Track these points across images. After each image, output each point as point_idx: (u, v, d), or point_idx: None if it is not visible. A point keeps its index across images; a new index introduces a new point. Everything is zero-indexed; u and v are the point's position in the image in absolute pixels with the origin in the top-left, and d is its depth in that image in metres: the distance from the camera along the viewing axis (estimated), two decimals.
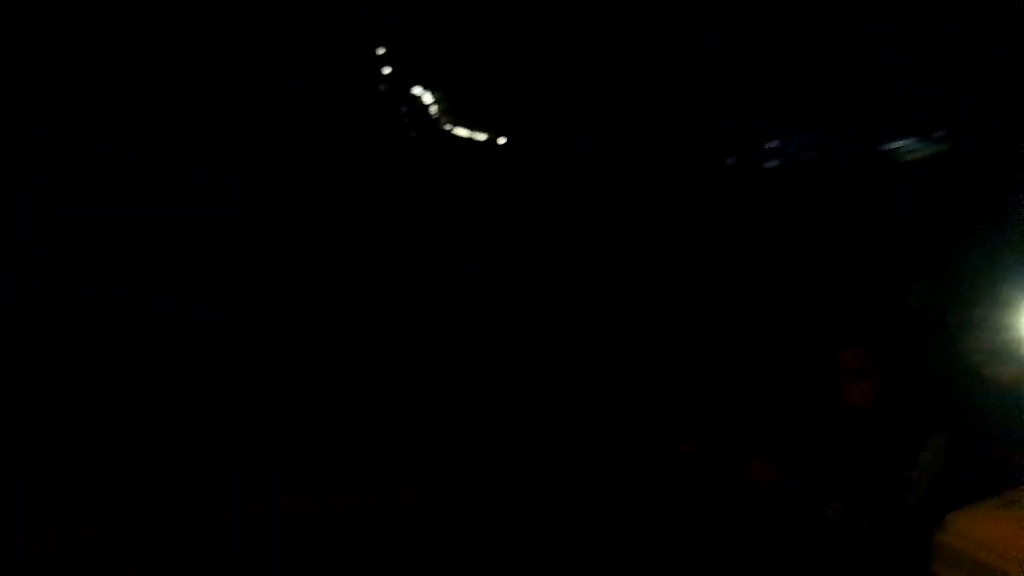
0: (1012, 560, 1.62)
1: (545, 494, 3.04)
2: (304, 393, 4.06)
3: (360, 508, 3.10)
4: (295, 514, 3.05)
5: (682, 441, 2.36)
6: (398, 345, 4.84)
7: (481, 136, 11.37)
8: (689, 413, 2.84)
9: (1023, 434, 1.98)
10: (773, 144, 8.21)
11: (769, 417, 2.51)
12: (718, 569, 2.27)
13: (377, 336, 5.03)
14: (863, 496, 2.17)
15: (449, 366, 4.47)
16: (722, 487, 2.28)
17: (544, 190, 9.30)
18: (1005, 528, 1.68)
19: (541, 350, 4.62)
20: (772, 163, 8.54)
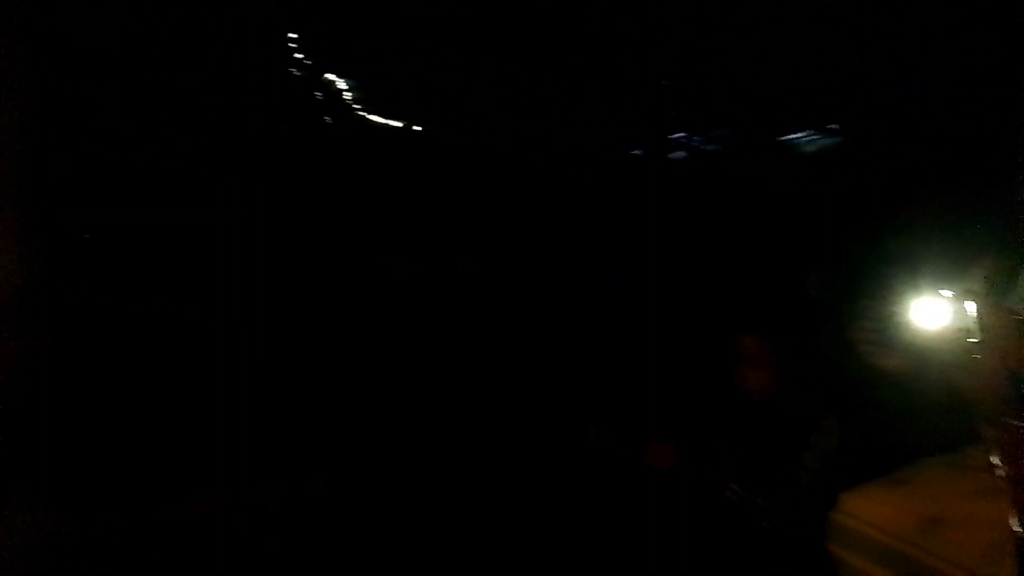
0: (899, 536, 1.69)
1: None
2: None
3: (356, 507, 3.04)
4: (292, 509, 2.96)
5: (586, 426, 2.36)
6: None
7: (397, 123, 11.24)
8: (591, 399, 2.87)
9: (908, 418, 2.07)
10: (679, 136, 8.35)
11: (668, 403, 2.54)
12: (618, 553, 2.29)
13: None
14: (761, 478, 2.22)
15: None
16: (624, 472, 2.30)
17: (447, 184, 9.24)
18: (893, 506, 1.75)
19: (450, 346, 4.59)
20: (678, 155, 8.69)
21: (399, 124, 10.91)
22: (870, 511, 1.79)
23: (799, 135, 7.81)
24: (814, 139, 7.77)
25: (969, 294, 1.40)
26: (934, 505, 1.73)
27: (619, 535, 2.36)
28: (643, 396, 2.64)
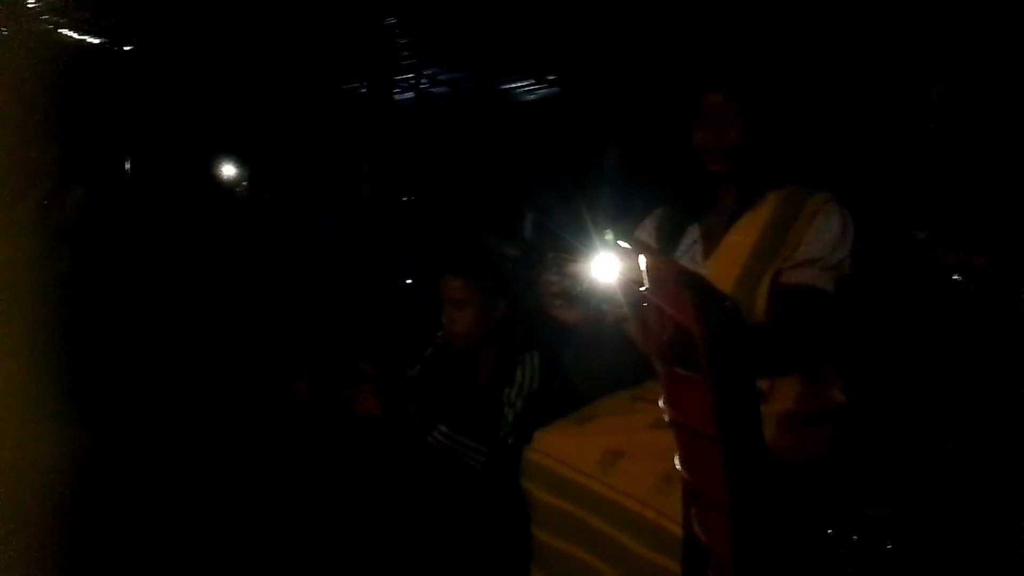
0: (581, 471, 1.79)
1: None
2: None
3: None
4: None
5: (290, 382, 2.25)
6: None
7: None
8: (291, 349, 2.76)
9: (595, 358, 2.21)
10: (406, 76, 8.28)
11: (375, 349, 2.51)
12: (335, 505, 2.24)
13: None
14: (468, 418, 2.27)
15: None
16: (334, 424, 2.22)
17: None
18: (578, 442, 1.84)
19: None
20: (405, 96, 8.63)
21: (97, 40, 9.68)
22: (557, 446, 1.86)
23: (520, 84, 8.08)
24: (533, 89, 8.08)
25: (640, 246, 1.50)
26: (615, 439, 1.81)
27: (328, 488, 2.31)
28: (351, 341, 2.59)
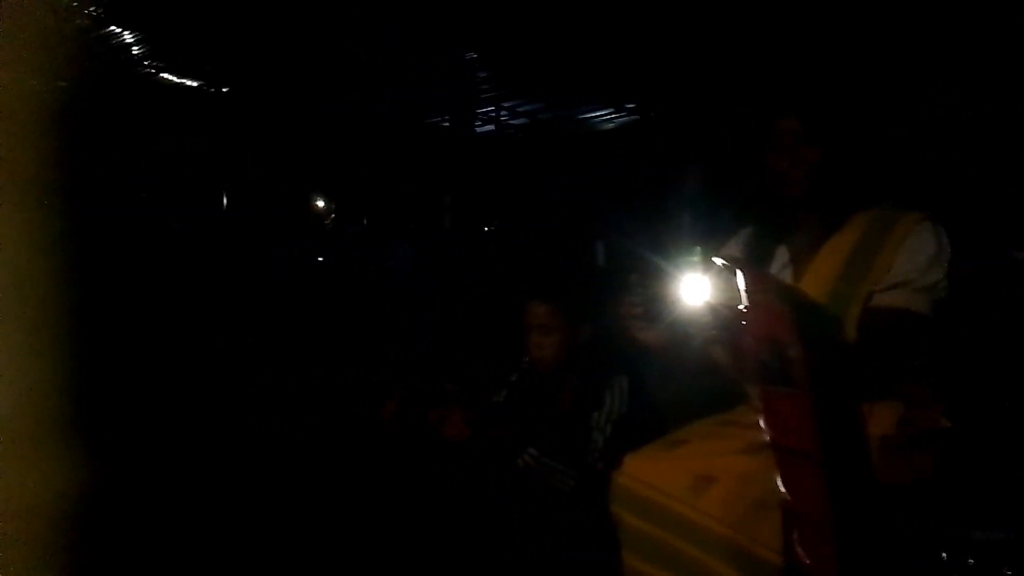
0: (672, 495, 1.76)
1: None
2: None
3: None
4: None
5: (378, 404, 2.29)
6: None
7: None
8: (379, 373, 2.81)
9: (683, 383, 2.18)
10: (487, 109, 8.44)
11: (459, 372, 2.54)
12: (420, 530, 2.26)
13: None
14: (557, 442, 2.27)
15: None
16: (420, 447, 2.26)
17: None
18: (668, 466, 1.82)
19: None
20: (486, 128, 8.79)
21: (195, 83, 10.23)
22: (647, 471, 1.84)
23: (598, 113, 8.13)
24: (612, 117, 8.11)
25: (736, 263, 1.48)
26: (706, 463, 1.78)
27: (420, 508, 2.34)
28: (434, 365, 2.62)
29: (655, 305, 1.71)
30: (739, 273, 1.13)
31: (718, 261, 1.35)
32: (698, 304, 1.58)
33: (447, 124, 8.82)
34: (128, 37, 9.50)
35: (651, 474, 1.82)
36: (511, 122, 8.81)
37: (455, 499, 2.25)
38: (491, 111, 8.49)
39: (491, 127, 8.76)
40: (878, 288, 1.73)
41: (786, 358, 1.00)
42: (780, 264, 1.92)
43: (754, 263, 1.96)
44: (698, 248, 1.57)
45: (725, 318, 1.29)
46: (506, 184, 8.50)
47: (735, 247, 2.06)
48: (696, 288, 1.56)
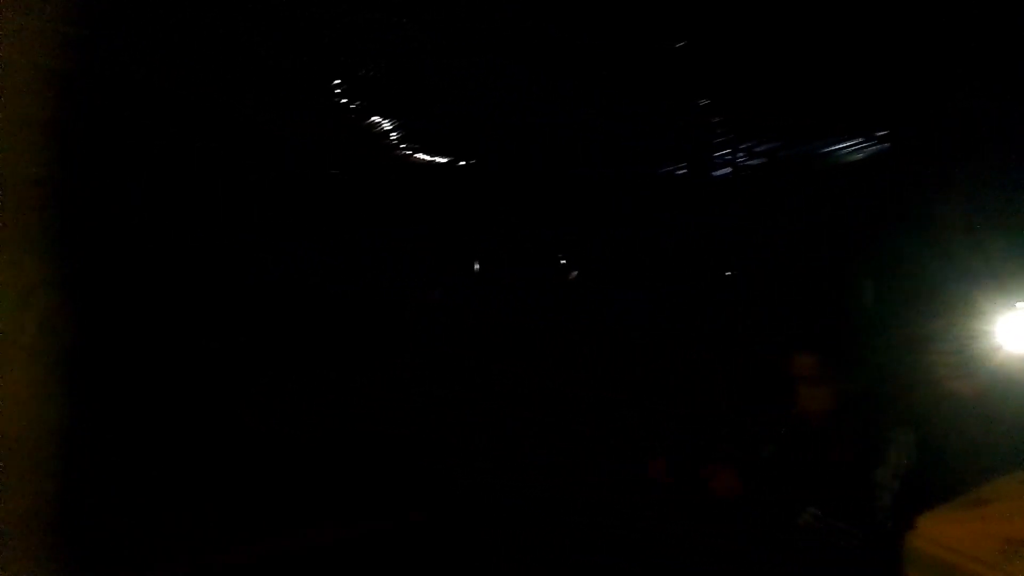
0: (982, 561, 1.61)
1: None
2: None
3: None
4: None
5: (646, 460, 2.32)
6: None
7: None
8: (647, 429, 2.81)
9: (986, 440, 1.98)
10: (722, 153, 8.34)
11: (728, 428, 2.49)
12: None
13: None
14: (839, 500, 2.15)
15: None
16: (691, 504, 2.24)
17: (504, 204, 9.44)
18: (974, 529, 1.67)
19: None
20: (723, 172, 8.67)
21: (444, 160, 11.16)
22: (948, 533, 1.70)
23: (844, 145, 7.70)
24: (862, 147, 7.64)
25: None
26: (1019, 526, 1.64)
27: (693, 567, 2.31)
28: (703, 422, 2.59)
29: (971, 354, 1.60)
30: None
31: None
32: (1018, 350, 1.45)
33: (682, 172, 8.82)
34: (387, 125, 10.62)
35: (953, 537, 1.68)
36: (749, 163, 8.61)
37: (729, 558, 2.20)
38: (727, 154, 8.37)
39: (727, 170, 8.62)
40: None
41: None
42: None
43: None
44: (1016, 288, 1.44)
45: None
46: (747, 226, 8.28)
47: None
48: (1016, 333, 1.44)
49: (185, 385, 4.46)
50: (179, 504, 3.15)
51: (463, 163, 9.41)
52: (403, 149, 10.33)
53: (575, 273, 9.26)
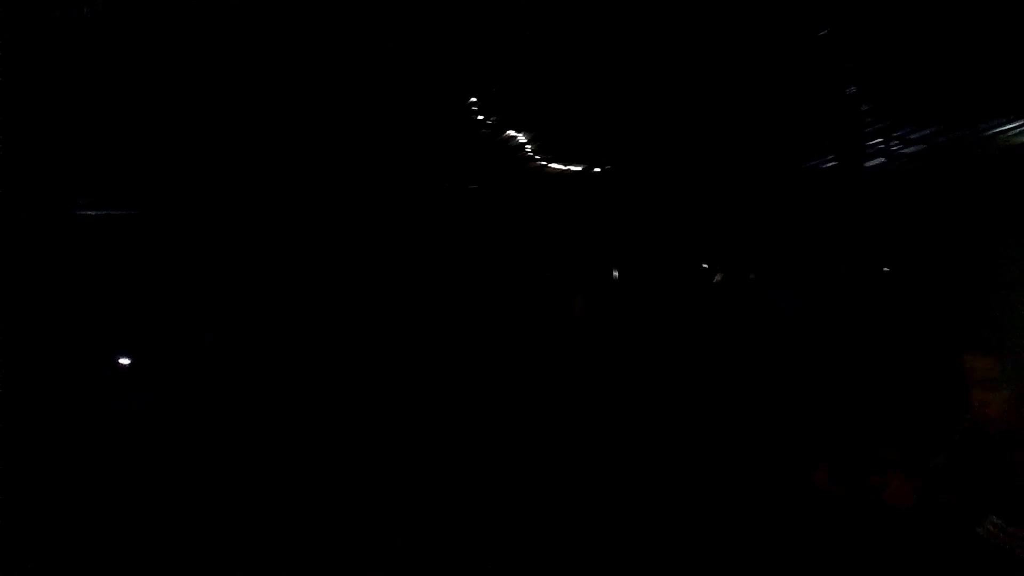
0: None
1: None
2: None
3: None
4: None
5: (810, 468, 2.25)
6: None
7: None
8: (813, 434, 2.72)
9: None
10: (875, 142, 7.94)
11: (900, 434, 2.38)
12: None
13: None
14: (1019, 508, 2.02)
15: None
16: (860, 514, 2.17)
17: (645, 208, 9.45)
18: None
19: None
20: (875, 162, 8.26)
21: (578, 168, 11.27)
22: None
23: (1011, 125, 7.15)
24: None
25: None
26: None
27: None
28: (867, 428, 2.49)
29: None
30: None
31: None
32: None
33: (830, 165, 8.46)
34: (521, 138, 10.86)
35: None
36: (904, 151, 8.15)
37: (905, 570, 2.11)
38: (879, 143, 7.96)
39: (881, 159, 8.19)
40: None
41: None
42: None
43: None
44: None
45: None
46: (905, 219, 7.83)
47: None
48: None
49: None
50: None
51: (598, 170, 9.45)
52: (538, 160, 10.52)
53: (719, 276, 9.06)
